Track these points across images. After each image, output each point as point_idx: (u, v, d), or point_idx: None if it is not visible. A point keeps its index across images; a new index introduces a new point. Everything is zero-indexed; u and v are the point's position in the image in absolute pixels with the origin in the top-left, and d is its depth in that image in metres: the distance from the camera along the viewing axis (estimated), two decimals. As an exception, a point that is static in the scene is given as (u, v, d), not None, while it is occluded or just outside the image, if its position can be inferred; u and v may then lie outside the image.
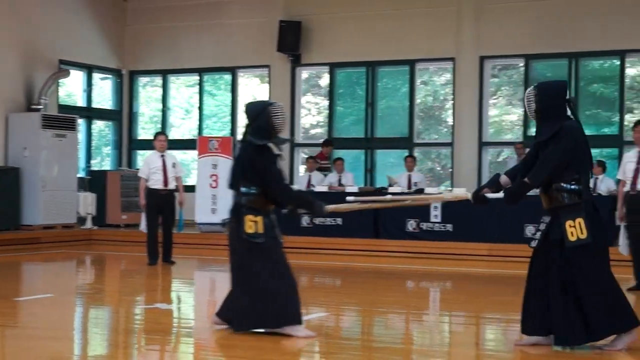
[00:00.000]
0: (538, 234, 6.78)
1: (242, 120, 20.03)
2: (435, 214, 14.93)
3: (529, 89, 6.89)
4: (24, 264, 13.79)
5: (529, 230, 14.54)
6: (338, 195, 15.66)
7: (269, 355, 6.82)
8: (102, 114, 20.21)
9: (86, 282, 12.57)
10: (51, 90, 17.92)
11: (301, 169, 18.80)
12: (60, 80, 18.52)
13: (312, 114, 19.88)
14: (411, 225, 15.08)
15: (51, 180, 17.00)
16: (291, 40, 18.47)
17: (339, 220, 15.42)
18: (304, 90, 19.58)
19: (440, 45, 17.65)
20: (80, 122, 18.82)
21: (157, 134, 13.70)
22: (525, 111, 17.22)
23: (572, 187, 6.59)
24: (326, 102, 19.09)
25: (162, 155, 12.98)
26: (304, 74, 19.46)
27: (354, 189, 15.78)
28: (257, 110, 7.45)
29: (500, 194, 6.98)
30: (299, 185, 16.85)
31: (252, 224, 7.24)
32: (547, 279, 6.61)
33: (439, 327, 8.08)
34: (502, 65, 18.20)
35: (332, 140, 17.94)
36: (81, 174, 18.78)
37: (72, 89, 19.73)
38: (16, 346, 7.04)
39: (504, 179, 7.02)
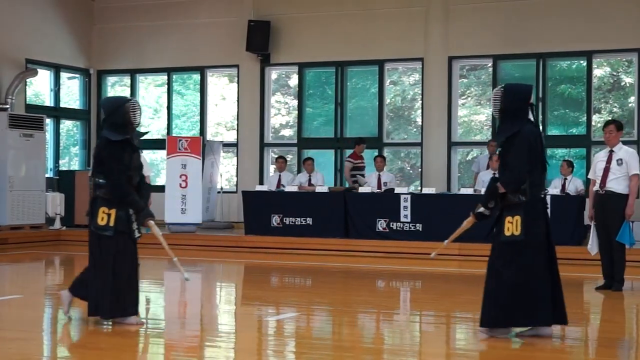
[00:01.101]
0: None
1: (212, 120, 20.01)
2: (405, 214, 14.97)
3: (496, 88, 7.27)
4: (-9, 265, 13.66)
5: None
6: (308, 195, 15.71)
7: (241, 355, 6.82)
8: (70, 114, 20.08)
9: (55, 283, 12.47)
10: (18, 90, 17.78)
11: (271, 169, 18.80)
12: (27, 80, 18.38)
13: (281, 113, 19.87)
14: (381, 225, 15.11)
15: (19, 181, 16.86)
16: (260, 40, 18.45)
17: (310, 220, 15.43)
18: (274, 90, 19.56)
19: (409, 46, 17.71)
20: (48, 122, 18.70)
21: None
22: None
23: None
24: (295, 102, 19.10)
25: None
26: (273, 73, 19.45)
27: (324, 189, 15.80)
28: (114, 106, 7.65)
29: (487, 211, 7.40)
30: (269, 185, 16.85)
31: (105, 216, 7.46)
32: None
33: (409, 326, 8.10)
34: (470, 65, 18.30)
35: (364, 138, 17.25)
36: (49, 174, 18.65)
37: (39, 88, 19.58)
38: (-15, 348, 6.98)
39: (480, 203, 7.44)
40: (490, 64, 17.62)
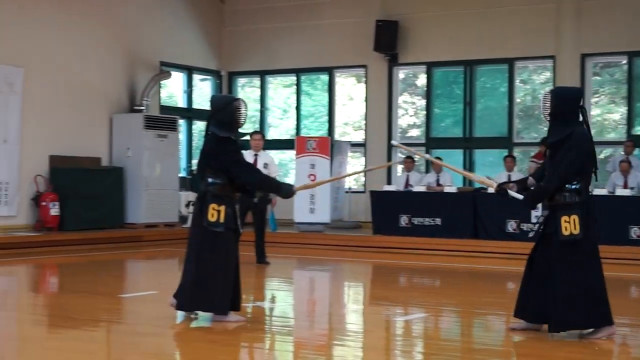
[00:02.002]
0: (536, 227, 7.50)
1: (340, 120, 20.11)
2: (536, 215, 14.71)
3: (545, 92, 7.52)
4: (127, 262, 14.12)
5: (634, 231, 14.25)
6: (437, 195, 15.62)
7: (369, 354, 6.84)
8: (202, 115, 20.50)
9: (187, 280, 12.76)
10: (153, 92, 18.29)
11: (399, 169, 18.76)
12: (161, 82, 18.90)
13: (409, 114, 19.81)
14: (511, 225, 14.89)
15: (153, 180, 17.36)
16: (388, 40, 18.43)
17: (438, 220, 15.34)
18: (401, 90, 19.52)
19: (540, 43, 17.37)
20: (181, 123, 19.18)
21: (252, 133, 13.78)
22: (629, 109, 16.93)
23: (573, 187, 7.13)
24: (423, 102, 19.00)
25: (256, 155, 12.96)
26: (401, 73, 19.40)
27: (453, 189, 15.69)
28: (222, 103, 7.89)
29: (520, 196, 7.45)
30: (397, 185, 16.85)
31: (215, 213, 7.55)
32: (547, 270, 7.17)
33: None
34: (604, 62, 17.81)
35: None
36: (182, 174, 19.12)
37: (173, 90, 20.11)
38: (121, 342, 7.22)
39: (531, 180, 7.53)
40: (625, 61, 17.10)
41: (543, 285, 7.20)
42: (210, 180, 7.70)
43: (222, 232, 7.60)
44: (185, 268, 7.86)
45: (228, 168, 7.64)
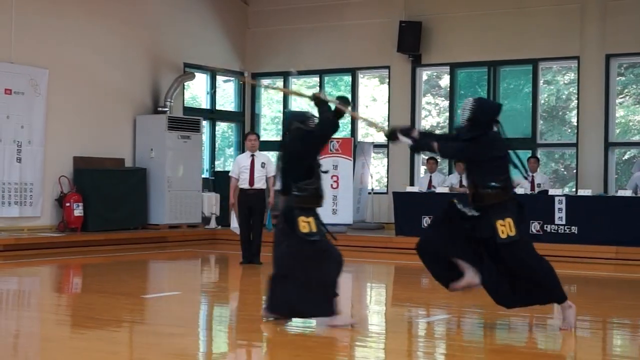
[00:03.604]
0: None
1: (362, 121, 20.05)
2: (560, 216, 14.63)
3: (468, 99, 7.73)
4: (150, 262, 14.17)
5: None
6: (459, 196, 15.54)
7: (391, 356, 6.82)
8: (225, 116, 20.58)
9: (211, 280, 12.82)
10: (177, 93, 18.35)
11: (422, 170, 18.72)
12: (185, 83, 18.96)
13: (432, 115, 19.76)
14: (535, 227, 14.81)
15: (176, 181, 17.42)
16: (411, 41, 18.39)
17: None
18: (424, 91, 19.48)
19: (564, 44, 17.28)
20: (205, 124, 19.23)
21: (247, 134, 13.87)
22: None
23: (498, 185, 7.40)
24: (446, 103, 18.95)
25: (252, 155, 12.99)
26: (424, 74, 19.36)
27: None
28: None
29: (409, 140, 7.66)
30: (419, 186, 16.81)
31: (306, 224, 7.63)
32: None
33: (564, 331, 7.89)
34: (628, 63, 17.68)
35: None
36: (205, 175, 19.18)
37: (196, 91, 20.17)
38: (144, 342, 7.24)
39: (416, 132, 7.76)
40: (650, 62, 16.99)
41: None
42: (295, 192, 7.78)
43: (318, 240, 7.67)
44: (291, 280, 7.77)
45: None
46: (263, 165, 12.93)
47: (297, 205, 7.69)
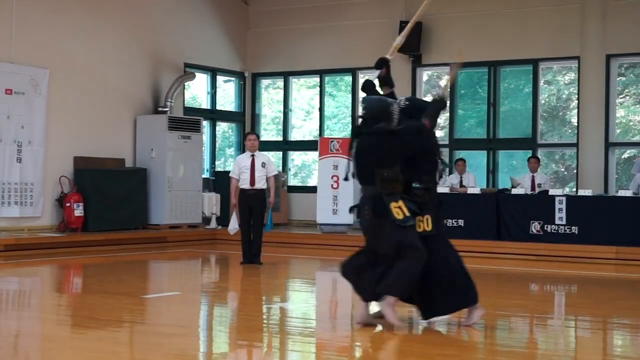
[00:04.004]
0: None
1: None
2: (560, 216, 14.63)
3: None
4: (151, 262, 14.17)
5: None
6: (460, 196, 15.56)
7: (392, 356, 6.82)
8: (225, 116, 20.58)
9: (211, 280, 12.82)
10: (177, 93, 18.35)
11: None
12: (185, 83, 18.96)
13: (433, 114, 19.72)
14: (535, 227, 14.82)
15: (177, 181, 17.42)
16: (412, 41, 18.34)
17: (461, 222, 15.28)
18: (425, 91, 19.47)
19: (565, 44, 17.27)
20: (205, 124, 19.23)
21: (247, 134, 13.88)
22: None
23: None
24: (447, 103, 18.90)
25: (252, 155, 13.00)
26: (425, 74, 19.35)
27: (476, 191, 15.63)
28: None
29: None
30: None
31: (398, 210, 7.57)
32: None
33: (564, 331, 7.91)
34: (629, 63, 17.68)
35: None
36: (206, 175, 19.18)
37: (196, 91, 20.17)
38: (144, 342, 7.24)
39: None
40: (650, 62, 16.99)
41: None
42: (385, 174, 7.72)
43: (414, 224, 7.66)
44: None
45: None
46: (263, 165, 12.95)
47: (385, 192, 7.65)
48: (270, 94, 21.23)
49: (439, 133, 19.39)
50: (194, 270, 13.93)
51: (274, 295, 10.64)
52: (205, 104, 20.08)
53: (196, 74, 19.01)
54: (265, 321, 8.51)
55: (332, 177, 17.07)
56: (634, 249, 13.97)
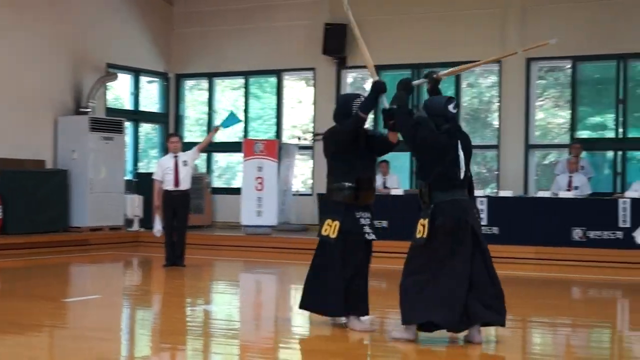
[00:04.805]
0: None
1: (289, 123, 20.09)
2: (482, 217, 14.83)
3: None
4: (72, 266, 13.95)
5: (577, 233, 14.45)
6: (384, 198, 15.66)
7: (314, 357, 6.83)
8: (149, 117, 20.39)
9: (133, 283, 12.69)
10: (99, 94, 18.11)
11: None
12: (108, 84, 18.72)
13: (357, 116, 19.83)
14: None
15: (99, 183, 17.19)
16: (336, 43, 18.47)
17: (385, 223, 15.38)
18: (349, 93, 19.54)
19: (486, 47, 17.46)
20: (128, 125, 19.00)
21: (169, 135, 13.84)
22: (572, 113, 17.17)
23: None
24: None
25: (175, 157, 12.96)
26: (349, 77, 19.45)
27: (400, 192, 15.76)
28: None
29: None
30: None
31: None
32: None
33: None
34: (549, 67, 18.03)
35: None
36: (128, 177, 18.96)
37: (119, 92, 19.94)
38: (64, 347, 7.13)
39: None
40: (569, 65, 17.34)
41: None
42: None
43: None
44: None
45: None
46: (185, 163, 12.90)
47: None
48: (194, 95, 21.10)
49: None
50: (116, 273, 13.77)
51: (197, 298, 10.57)
52: (128, 105, 19.86)
53: (119, 74, 18.78)
54: (188, 324, 8.46)
55: (256, 179, 17.05)
56: (553, 248, 14.25)
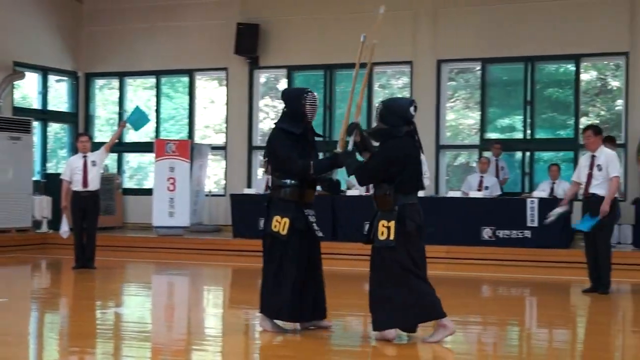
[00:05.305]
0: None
1: (201, 123, 19.96)
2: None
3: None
4: (-23, 269, 13.60)
5: (486, 232, 14.70)
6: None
7: (228, 359, 6.79)
8: (57, 117, 20.01)
9: (41, 286, 12.43)
10: (5, 93, 17.70)
11: (259, 172, 18.77)
12: (15, 83, 18.31)
13: (270, 117, 19.84)
14: (367, 227, 15.05)
15: (6, 184, 16.79)
16: (249, 43, 18.42)
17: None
18: (262, 93, 19.54)
19: (398, 49, 17.69)
20: (36, 125, 18.63)
21: (78, 135, 13.66)
22: (482, 114, 17.48)
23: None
24: (284, 106, 19.02)
25: (85, 157, 12.78)
26: (262, 77, 19.42)
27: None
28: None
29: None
30: (257, 188, 16.85)
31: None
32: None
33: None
34: (459, 68, 18.31)
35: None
36: (36, 177, 18.58)
37: (27, 91, 19.52)
38: (-31, 352, 6.94)
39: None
40: (479, 67, 17.63)
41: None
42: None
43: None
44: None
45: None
46: (94, 163, 12.71)
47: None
48: (105, 95, 20.79)
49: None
50: (24, 276, 13.47)
51: (108, 300, 10.40)
52: (36, 104, 19.45)
53: (26, 73, 18.38)
54: (99, 327, 8.32)
55: (168, 179, 16.89)
56: (464, 247, 14.45)
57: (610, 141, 15.16)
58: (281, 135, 7.62)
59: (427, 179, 7.41)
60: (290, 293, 7.38)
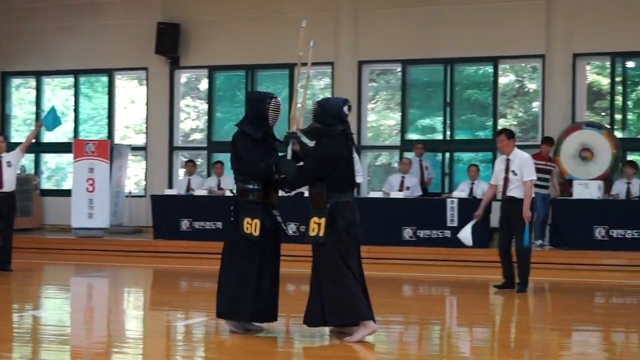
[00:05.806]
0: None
1: (121, 124, 19.74)
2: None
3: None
4: None
5: (407, 232, 14.85)
6: (218, 199, 15.62)
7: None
8: (-28, 116, 19.57)
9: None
10: None
11: (180, 173, 18.64)
12: None
13: (191, 117, 19.73)
14: (291, 228, 15.08)
15: None
16: (169, 43, 18.28)
17: (219, 224, 15.34)
18: (183, 94, 19.41)
19: (320, 50, 17.62)
20: (-51, 125, 18.19)
21: None
22: (402, 115, 17.65)
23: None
24: (206, 106, 18.97)
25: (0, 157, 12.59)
26: (183, 77, 19.28)
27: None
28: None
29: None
30: (178, 189, 16.73)
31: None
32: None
33: (319, 330, 8.10)
34: (380, 70, 18.45)
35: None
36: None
37: (-60, 90, 19.04)
38: None
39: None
40: (399, 69, 17.80)
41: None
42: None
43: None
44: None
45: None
46: (9, 164, 12.46)
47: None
48: (21, 94, 20.40)
49: (197, 136, 19.41)
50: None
51: (25, 303, 10.20)
52: (-51, 104, 18.99)
53: (-61, 71, 17.93)
54: (16, 330, 8.15)
55: (87, 180, 16.67)
56: (384, 247, 14.57)
57: (548, 142, 15.43)
58: (243, 137, 7.76)
59: (361, 177, 7.46)
60: (262, 293, 7.45)
